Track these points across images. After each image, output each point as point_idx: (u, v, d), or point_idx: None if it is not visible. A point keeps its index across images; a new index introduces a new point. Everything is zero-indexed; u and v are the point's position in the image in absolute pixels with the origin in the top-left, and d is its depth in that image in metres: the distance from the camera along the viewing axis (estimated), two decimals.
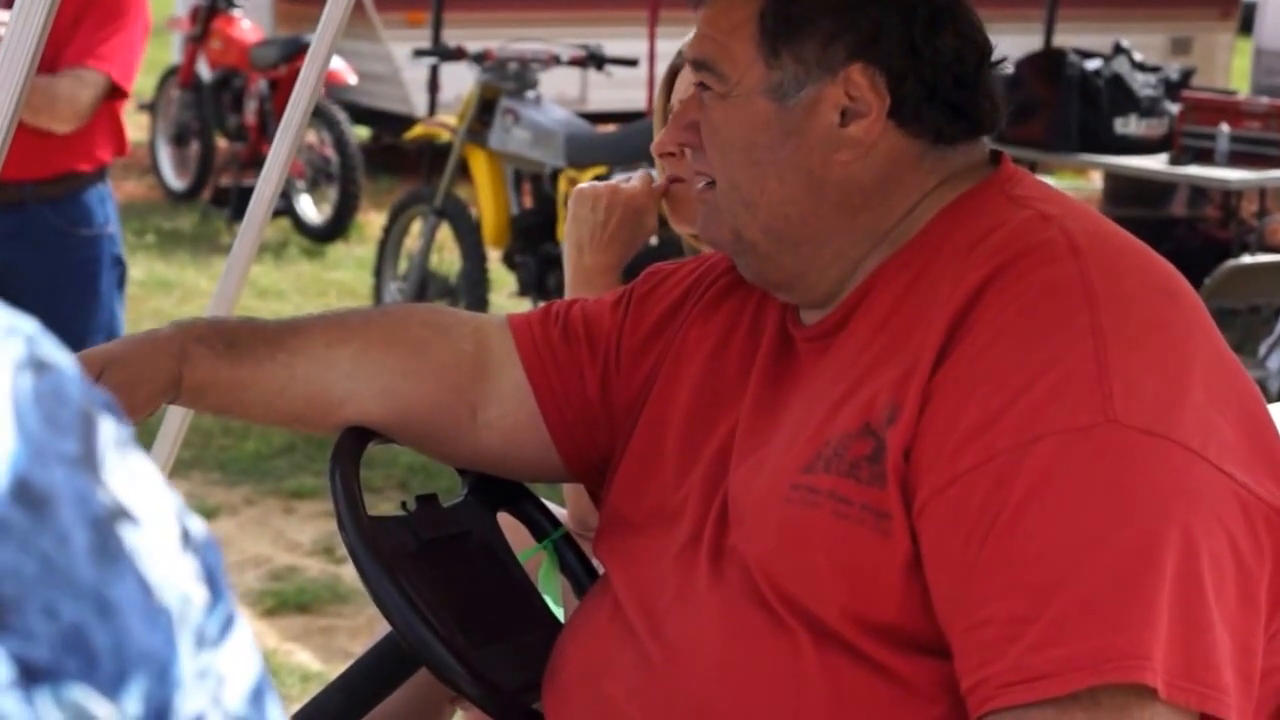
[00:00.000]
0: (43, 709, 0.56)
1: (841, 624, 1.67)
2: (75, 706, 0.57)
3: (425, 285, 7.58)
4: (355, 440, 2.00)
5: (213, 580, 0.66)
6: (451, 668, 1.89)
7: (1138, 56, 8.04)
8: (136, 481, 0.63)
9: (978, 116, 1.82)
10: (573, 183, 7.04)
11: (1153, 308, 1.68)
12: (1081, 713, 1.52)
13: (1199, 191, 8.28)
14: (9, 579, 0.56)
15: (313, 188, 10.02)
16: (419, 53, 8.04)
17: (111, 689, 0.59)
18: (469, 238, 7.52)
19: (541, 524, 2.19)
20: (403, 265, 7.90)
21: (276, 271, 9.34)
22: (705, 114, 1.84)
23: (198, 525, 0.67)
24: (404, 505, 2.06)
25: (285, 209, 9.97)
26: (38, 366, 0.62)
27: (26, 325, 0.63)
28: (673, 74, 2.60)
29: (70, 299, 4.67)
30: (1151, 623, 1.52)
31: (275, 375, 1.99)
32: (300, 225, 10.01)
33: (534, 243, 7.37)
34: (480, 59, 7.53)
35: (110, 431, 0.63)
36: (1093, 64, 7.81)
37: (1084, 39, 9.00)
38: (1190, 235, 8.32)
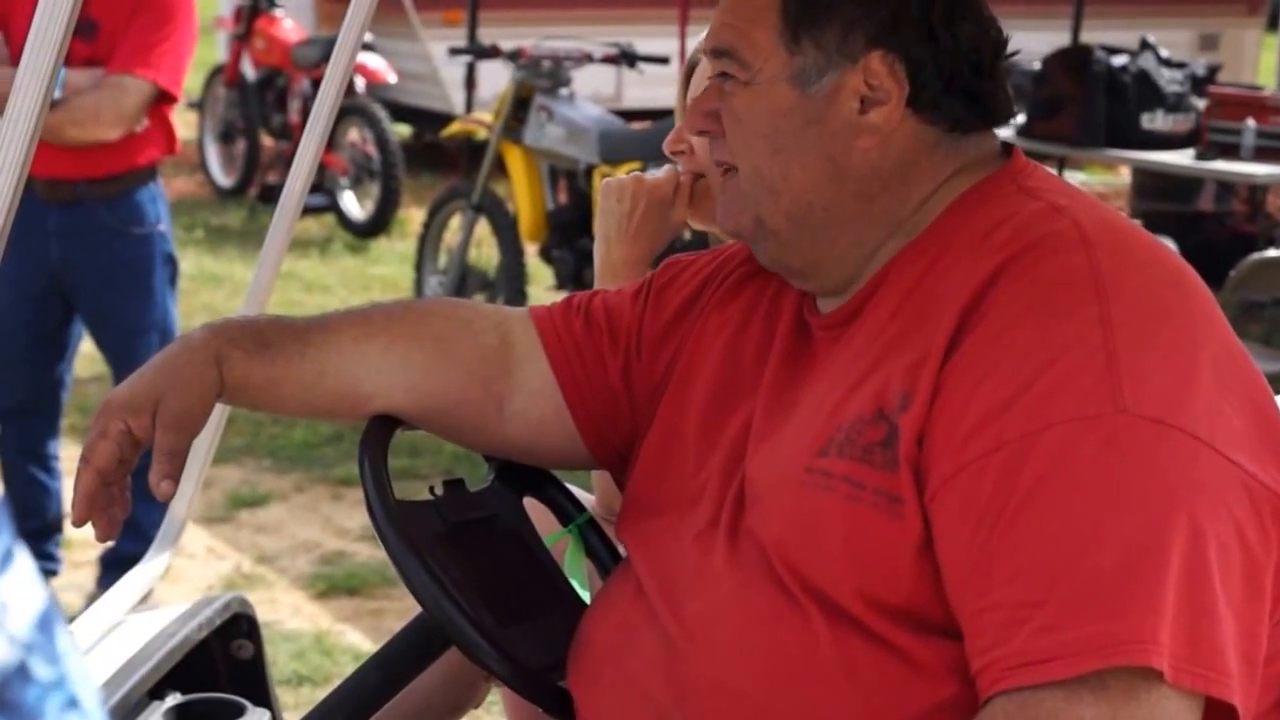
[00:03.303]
0: None
1: (854, 605, 1.68)
2: None
3: (464, 279, 7.61)
4: (383, 428, 2.02)
5: None
6: (479, 646, 1.91)
7: (1164, 52, 8.01)
8: None
9: (993, 106, 1.83)
10: (606, 178, 7.05)
11: (1162, 299, 1.69)
12: (1089, 695, 1.52)
13: (1225, 186, 8.24)
14: None
15: (355, 184, 10.07)
16: (455, 51, 8.07)
17: None
18: (506, 233, 7.55)
19: (566, 508, 2.21)
20: (443, 260, 7.93)
21: (322, 266, 9.39)
22: (727, 102, 1.84)
23: None
24: (431, 490, 2.08)
25: (329, 205, 10.04)
26: None
27: None
28: (691, 69, 2.60)
29: (124, 295, 4.72)
30: (1158, 607, 1.53)
31: (306, 371, 2.01)
32: (344, 221, 10.07)
33: (570, 237, 7.39)
34: (515, 57, 7.56)
35: None
36: (1119, 60, 7.77)
37: (1112, 35, 8.97)
38: (1217, 229, 8.30)
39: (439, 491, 2.09)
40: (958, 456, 1.63)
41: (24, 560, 0.70)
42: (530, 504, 2.18)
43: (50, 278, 4.68)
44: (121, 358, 4.71)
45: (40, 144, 4.47)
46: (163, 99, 4.63)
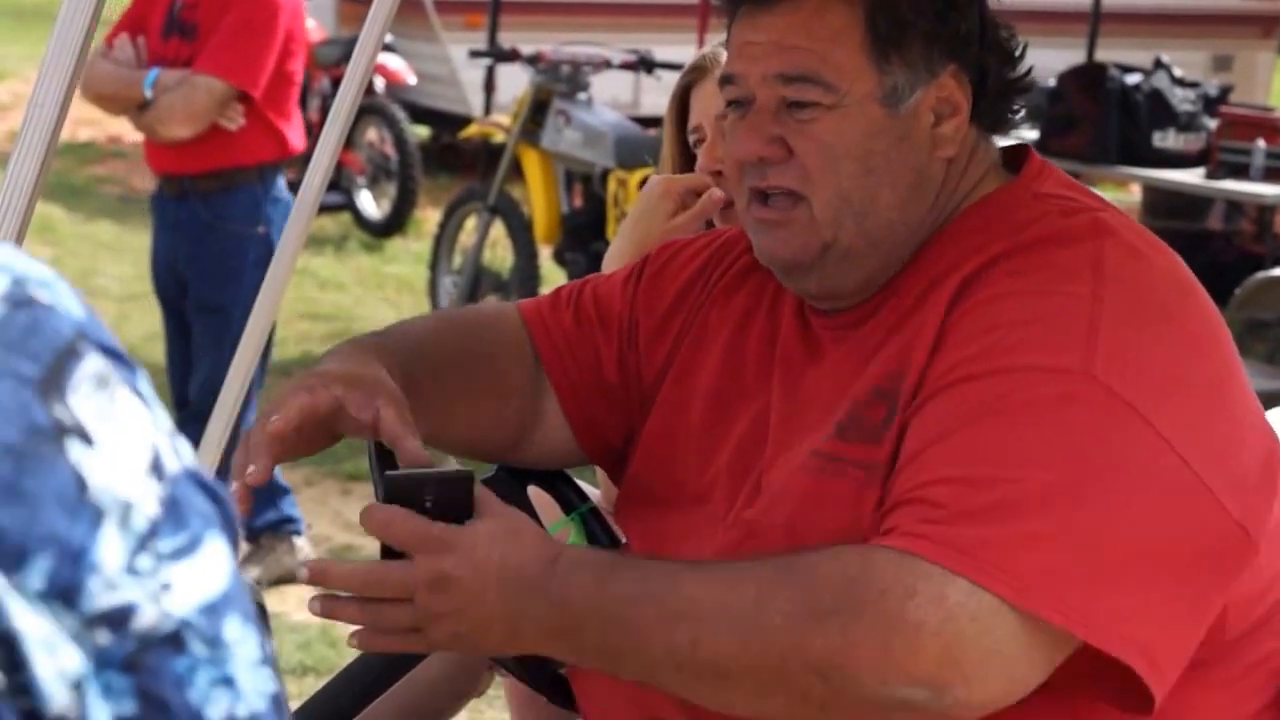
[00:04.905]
0: None
1: None
2: None
3: (478, 280, 7.63)
4: None
5: (176, 506, 0.76)
6: None
7: (1177, 72, 8.03)
8: (109, 415, 0.74)
9: (1018, 108, 1.86)
10: (621, 183, 7.08)
11: (1163, 299, 1.70)
12: (954, 592, 1.54)
13: (1234, 206, 8.26)
14: None
15: (373, 184, 10.09)
16: (475, 53, 8.12)
17: (10, 564, 0.71)
18: (521, 235, 7.57)
19: (570, 498, 2.21)
20: (457, 260, 7.95)
21: (337, 264, 9.41)
22: (802, 128, 1.77)
23: (176, 465, 0.77)
24: None
25: (346, 204, 10.06)
26: (16, 303, 0.75)
27: (25, 267, 0.76)
28: (685, 92, 2.54)
29: (219, 291, 4.87)
30: (1035, 543, 1.56)
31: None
32: (360, 220, 10.08)
33: (584, 240, 7.41)
34: (534, 61, 7.60)
35: (93, 369, 0.75)
36: (1133, 79, 7.80)
37: (1127, 54, 8.98)
38: (1225, 248, 8.31)
39: None
40: (927, 389, 1.67)
41: (215, 551, 0.77)
42: (535, 493, 2.19)
43: (169, 268, 5.04)
44: (201, 350, 4.92)
45: (150, 141, 4.88)
46: (242, 98, 4.82)
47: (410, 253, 9.70)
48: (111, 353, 0.77)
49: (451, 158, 11.68)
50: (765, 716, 1.67)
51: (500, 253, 7.76)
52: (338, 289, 8.84)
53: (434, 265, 8.07)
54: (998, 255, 1.72)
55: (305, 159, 9.97)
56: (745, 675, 1.61)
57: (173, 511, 0.76)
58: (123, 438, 0.75)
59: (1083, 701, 1.65)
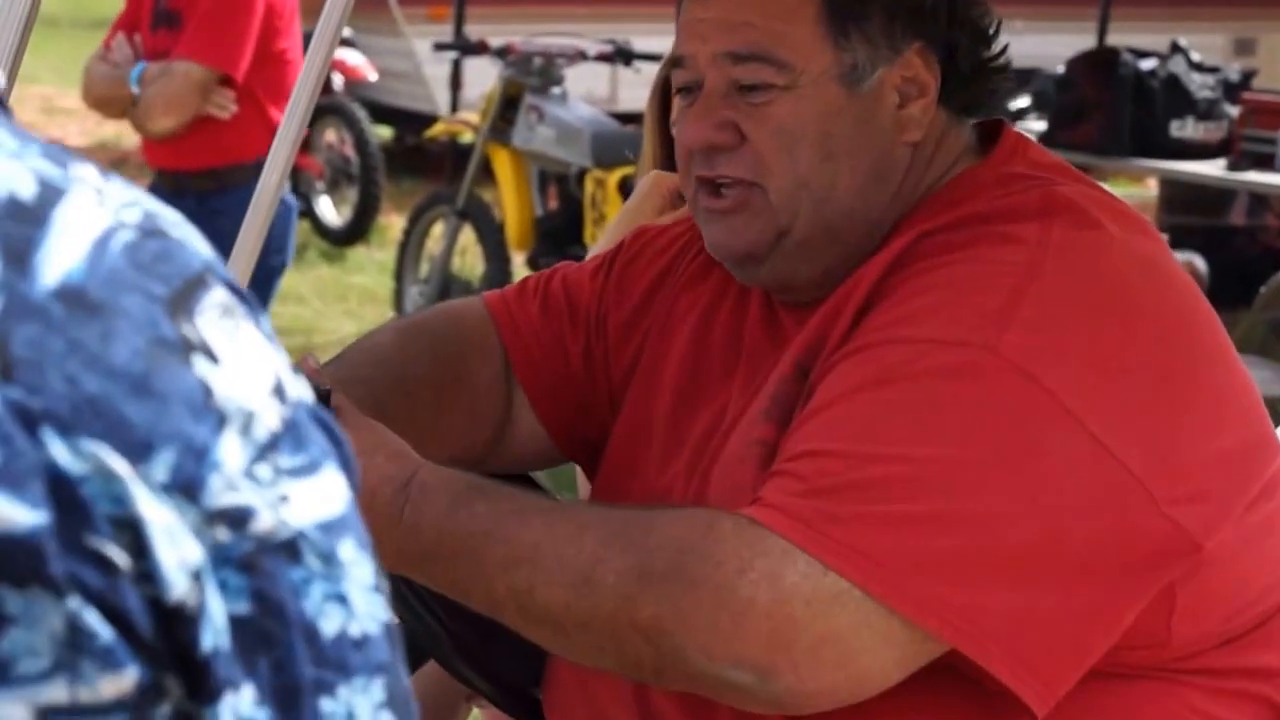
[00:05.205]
0: (54, 449, 0.76)
1: None
2: (94, 458, 0.77)
3: (447, 290, 7.64)
4: None
5: (297, 428, 0.83)
6: (457, 660, 1.95)
7: (1196, 56, 8.05)
8: (232, 340, 0.82)
9: (999, 91, 1.85)
10: (599, 183, 7.09)
11: (1114, 274, 1.68)
12: (792, 572, 1.53)
13: (1258, 199, 8.28)
14: (26, 345, 0.76)
15: (332, 189, 10.10)
16: (440, 46, 8.13)
17: (137, 454, 0.78)
18: (492, 240, 7.59)
19: None
20: (424, 269, 7.97)
21: (296, 275, 9.39)
22: (755, 111, 1.76)
23: (298, 392, 0.85)
24: None
25: (304, 210, 10.06)
26: (148, 232, 0.82)
27: (157, 206, 0.84)
28: (666, 84, 2.51)
29: None
30: (902, 526, 1.54)
31: None
32: (319, 227, 10.09)
33: (559, 245, 7.42)
34: (503, 54, 7.61)
35: (220, 299, 0.82)
36: (1148, 64, 7.81)
37: (1141, 38, 9.01)
38: (1249, 244, 8.34)
39: None
40: (832, 360, 1.67)
41: (333, 480, 0.84)
42: None
43: None
44: None
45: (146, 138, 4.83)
46: (230, 84, 4.88)
47: (374, 262, 9.71)
48: (237, 291, 0.84)
49: (417, 159, 11.70)
50: (607, 669, 1.71)
51: (470, 260, 7.78)
52: (296, 301, 8.84)
53: (399, 275, 8.09)
54: (937, 228, 1.72)
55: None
56: (578, 629, 1.62)
57: (293, 432, 0.83)
58: (247, 360, 0.82)
59: (976, 697, 1.61)
